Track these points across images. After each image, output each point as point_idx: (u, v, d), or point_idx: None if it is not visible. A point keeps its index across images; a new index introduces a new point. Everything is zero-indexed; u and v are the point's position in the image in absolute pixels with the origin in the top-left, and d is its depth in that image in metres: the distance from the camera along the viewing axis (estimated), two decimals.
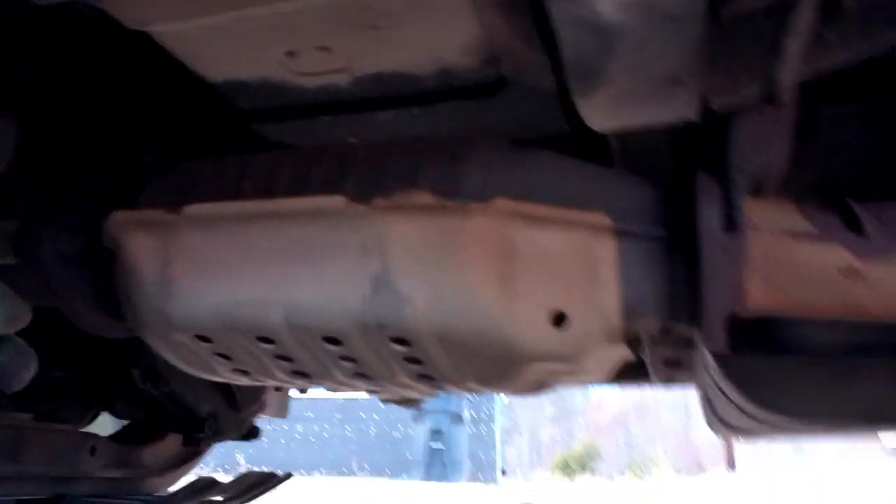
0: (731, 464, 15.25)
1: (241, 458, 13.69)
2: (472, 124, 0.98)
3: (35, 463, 1.35)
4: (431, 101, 0.93)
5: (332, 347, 0.71)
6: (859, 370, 0.99)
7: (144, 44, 0.75)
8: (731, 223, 0.67)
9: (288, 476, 1.68)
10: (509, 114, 0.95)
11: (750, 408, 1.02)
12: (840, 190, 0.79)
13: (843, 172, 1.11)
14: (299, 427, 15.70)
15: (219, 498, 1.60)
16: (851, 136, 1.08)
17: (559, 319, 0.67)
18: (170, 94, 0.97)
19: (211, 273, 0.71)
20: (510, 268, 0.66)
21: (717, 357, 1.01)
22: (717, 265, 0.66)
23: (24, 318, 0.79)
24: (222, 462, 12.32)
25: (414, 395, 1.91)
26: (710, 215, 0.66)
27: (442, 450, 12.47)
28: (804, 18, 0.63)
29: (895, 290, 0.67)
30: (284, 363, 0.75)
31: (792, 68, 0.67)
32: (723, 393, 1.07)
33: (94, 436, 1.53)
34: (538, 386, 0.75)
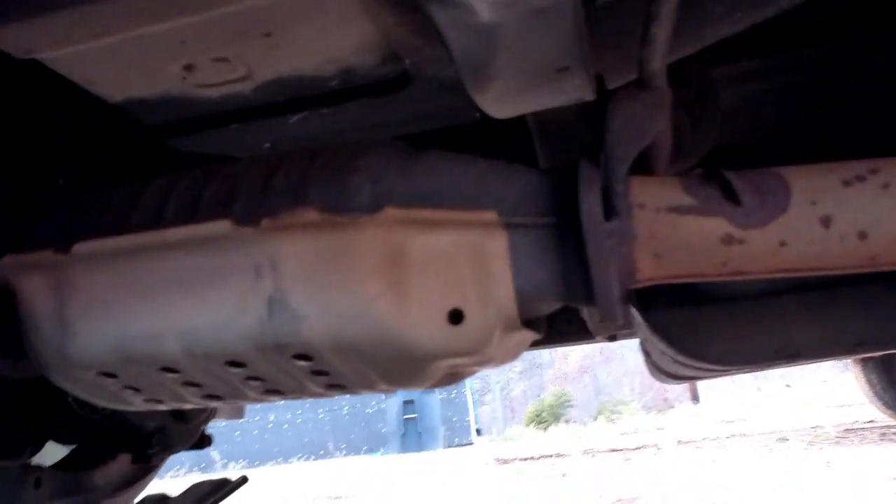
0: (695, 397, 15.86)
1: (216, 455, 13.61)
2: (383, 119, 0.98)
3: None
4: (338, 101, 0.93)
5: (237, 370, 0.71)
6: (772, 312, 1.04)
7: (41, 70, 0.73)
8: (613, 209, 0.69)
9: (244, 480, 1.69)
10: (418, 106, 0.95)
11: (679, 357, 1.06)
12: (721, 160, 0.81)
13: (747, 129, 1.14)
14: (271, 416, 15.67)
15: None
16: (750, 92, 1.11)
17: (456, 317, 0.68)
18: (75, 115, 0.95)
19: (105, 310, 0.70)
20: (403, 274, 0.66)
21: (643, 312, 1.05)
22: (603, 249, 0.68)
23: None
24: (198, 462, 12.24)
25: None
26: (591, 203, 0.68)
27: (415, 419, 12.60)
28: (669, 5, 0.64)
29: (771, 252, 0.70)
30: (194, 388, 0.74)
31: (662, 52, 0.69)
32: (654, 344, 1.11)
33: (37, 467, 1.50)
34: (448, 379, 0.77)
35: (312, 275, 0.66)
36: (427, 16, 0.62)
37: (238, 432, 14.67)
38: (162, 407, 0.81)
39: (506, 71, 0.74)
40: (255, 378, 0.72)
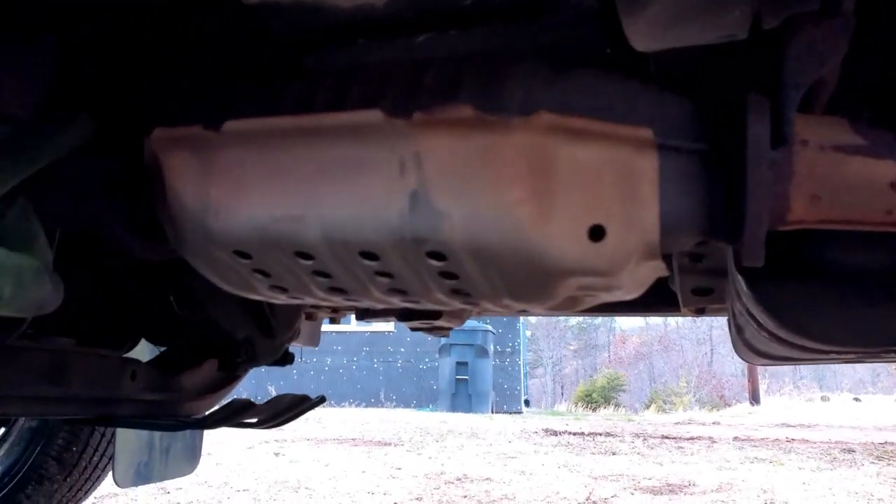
0: (754, 398, 15.42)
1: (272, 390, 14.15)
2: (511, 47, 0.95)
3: (78, 385, 1.40)
4: (469, 22, 0.91)
5: (368, 262, 0.71)
6: (890, 293, 0.98)
7: None
8: (781, 138, 0.65)
9: (322, 399, 1.73)
10: (550, 35, 0.92)
11: (781, 332, 1.01)
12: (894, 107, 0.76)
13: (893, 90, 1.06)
14: (328, 360, 16.12)
15: (253, 420, 1.65)
16: None
17: (597, 233, 0.66)
18: (208, 19, 0.96)
19: (250, 189, 0.71)
20: (549, 182, 0.65)
21: (750, 281, 1.00)
22: (763, 179, 0.65)
23: (56, 301, 0.81)
24: (255, 393, 12.75)
25: (442, 322, 1.94)
26: (759, 129, 0.64)
27: (467, 381, 12.73)
28: None
29: None
30: (322, 279, 0.75)
31: None
32: (753, 318, 1.06)
33: (135, 361, 1.58)
34: (573, 302, 0.75)
35: (457, 173, 0.65)
36: None
37: (295, 371, 15.18)
38: (283, 298, 0.83)
39: None
40: (385, 274, 0.73)
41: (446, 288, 0.74)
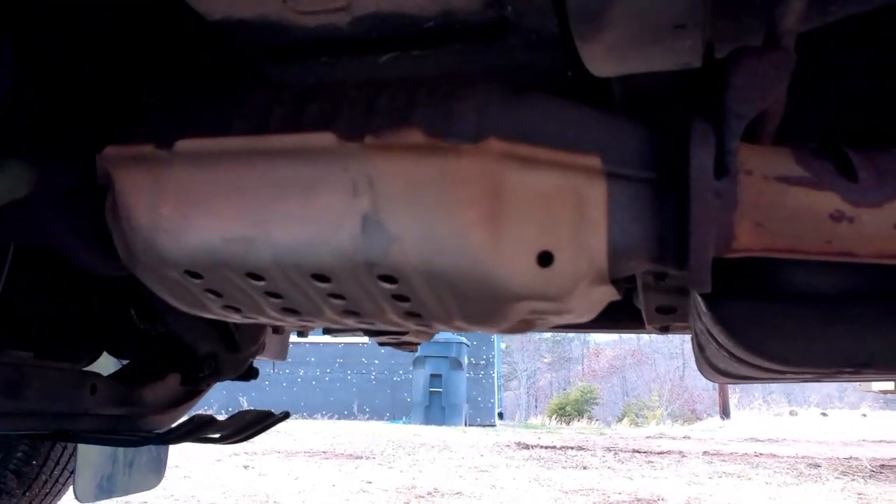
0: (724, 412, 15.59)
1: (244, 401, 13.98)
2: (473, 68, 0.96)
3: (36, 400, 1.37)
4: (432, 43, 0.92)
5: (321, 284, 0.71)
6: (847, 315, 1.00)
7: None
8: (724, 168, 0.67)
9: (286, 415, 1.72)
10: (510, 58, 0.94)
11: (739, 352, 1.03)
12: (838, 138, 0.78)
13: (844, 122, 1.09)
14: (301, 371, 15.98)
15: (216, 435, 1.63)
16: (854, 85, 1.06)
17: (545, 259, 0.67)
18: (169, 31, 0.96)
19: (201, 209, 0.71)
20: (499, 208, 0.66)
21: (708, 301, 1.02)
22: (707, 208, 0.66)
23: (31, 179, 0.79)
24: (226, 405, 12.58)
25: (410, 338, 1.94)
26: (702, 159, 0.65)
27: (441, 394, 12.70)
28: None
29: (882, 235, 0.67)
30: (274, 300, 0.75)
31: (797, 13, 0.66)
32: (713, 337, 1.08)
33: (95, 374, 1.55)
34: (524, 325, 0.76)
35: (409, 197, 0.66)
36: None
37: (267, 382, 15.03)
38: (237, 318, 0.82)
39: (621, 21, 0.72)
40: (337, 296, 0.73)
41: (399, 310, 0.74)
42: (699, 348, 1.30)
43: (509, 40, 0.91)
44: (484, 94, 0.69)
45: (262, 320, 0.83)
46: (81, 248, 0.89)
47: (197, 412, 1.81)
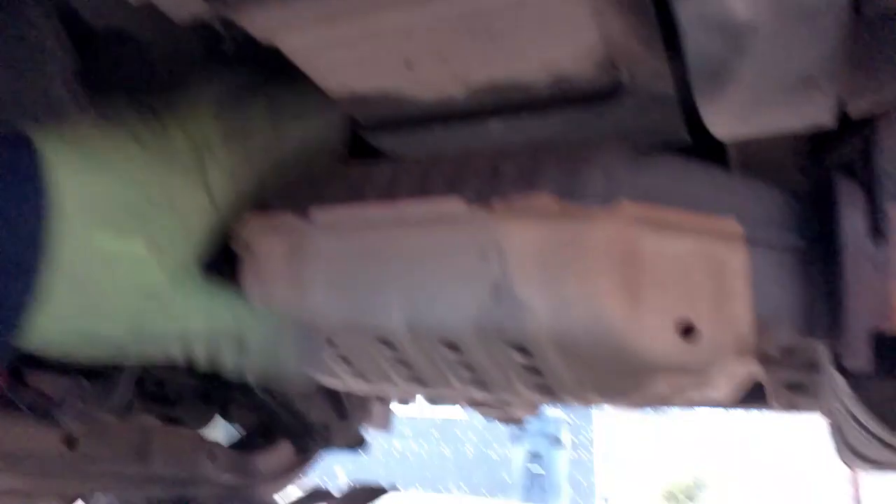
0: (858, 502, 14.09)
1: (339, 471, 14.00)
2: (586, 132, 0.96)
3: (160, 464, 1.42)
4: (543, 109, 0.93)
5: (450, 354, 0.71)
6: None
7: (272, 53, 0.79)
8: (878, 231, 0.62)
9: (394, 487, 1.70)
10: (624, 121, 0.93)
11: (887, 436, 0.93)
12: None
13: None
14: (397, 444, 15.90)
15: None
16: None
17: (687, 330, 0.64)
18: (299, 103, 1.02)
19: (337, 276, 0.73)
20: (636, 275, 0.64)
21: (851, 380, 0.93)
22: (862, 274, 0.62)
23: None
24: (322, 474, 12.64)
25: (518, 412, 1.89)
26: (854, 222, 0.62)
27: (542, 474, 12.22)
28: None
29: None
30: (403, 369, 0.76)
31: None
32: (855, 420, 0.98)
33: (213, 442, 1.60)
34: (662, 400, 0.72)
35: (540, 264, 0.65)
36: (660, 17, 0.60)
37: (364, 454, 15.00)
38: (364, 387, 0.83)
39: (747, 78, 0.70)
40: (467, 365, 0.72)
41: (530, 383, 0.73)
42: (837, 431, 1.19)
43: (622, 104, 0.91)
44: (611, 156, 0.69)
45: (389, 391, 0.83)
46: None
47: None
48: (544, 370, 0.70)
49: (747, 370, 0.70)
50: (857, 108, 0.77)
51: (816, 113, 0.73)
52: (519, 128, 0.95)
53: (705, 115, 0.76)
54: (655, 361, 0.65)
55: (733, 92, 0.70)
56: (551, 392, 0.73)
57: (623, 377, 0.67)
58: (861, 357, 0.66)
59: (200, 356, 0.69)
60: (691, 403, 0.74)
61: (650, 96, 0.88)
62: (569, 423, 13.32)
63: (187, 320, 0.66)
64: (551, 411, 12.39)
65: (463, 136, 0.98)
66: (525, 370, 0.71)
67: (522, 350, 0.68)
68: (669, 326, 0.64)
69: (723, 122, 0.77)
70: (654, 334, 0.64)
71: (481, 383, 0.75)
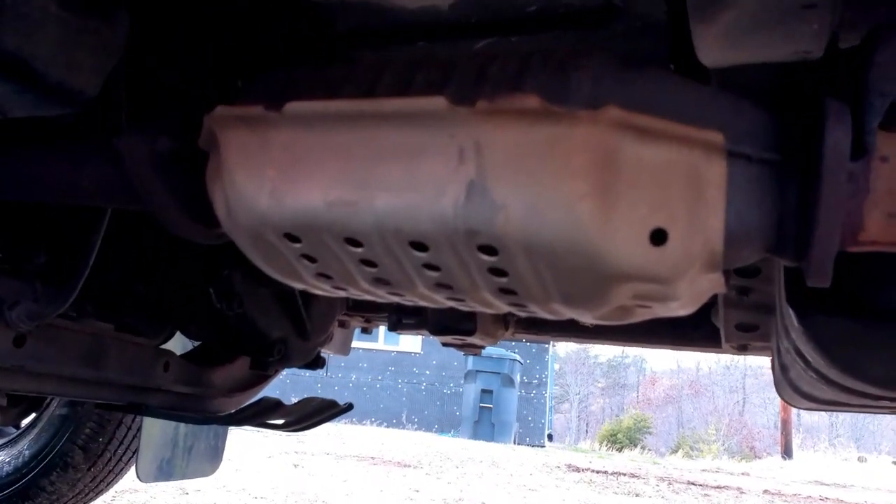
0: (787, 451, 14.89)
1: (295, 400, 14.17)
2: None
3: (113, 370, 1.41)
4: (533, 29, 0.89)
5: (417, 254, 0.69)
6: None
7: None
8: (862, 148, 0.62)
9: (350, 406, 1.71)
10: (614, 47, 0.90)
11: (831, 372, 0.96)
12: None
13: None
14: (353, 376, 16.10)
15: (280, 421, 1.64)
16: None
17: (659, 237, 0.64)
18: (270, 7, 0.97)
19: (307, 172, 0.70)
20: (613, 179, 0.62)
21: (801, 315, 0.95)
22: (838, 190, 0.62)
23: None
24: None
25: (476, 339, 1.90)
26: (838, 138, 0.61)
27: (491, 410, 12.57)
28: None
29: None
30: (368, 269, 0.74)
31: None
32: (801, 356, 1.01)
33: (169, 352, 1.58)
34: (624, 313, 0.72)
35: (518, 164, 0.63)
36: None
37: (319, 385, 15.19)
38: (326, 287, 0.81)
39: (749, 1, 0.68)
40: (433, 266, 0.71)
41: (494, 286, 0.72)
42: (782, 369, 1.23)
43: (612, 28, 0.88)
44: (601, 63, 0.66)
45: (351, 291, 0.81)
46: (179, 213, 0.89)
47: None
48: (511, 273, 0.69)
49: (711, 286, 0.70)
50: (848, 41, 0.76)
51: (808, 42, 0.71)
52: (504, 48, 0.92)
53: (698, 40, 0.74)
54: (624, 267, 0.64)
55: (728, 14, 0.68)
56: (515, 296, 0.72)
57: (589, 284, 0.67)
58: (824, 273, 0.66)
59: None
60: (652, 316, 0.74)
61: (640, 21, 0.86)
62: (521, 364, 13.67)
63: None
64: (506, 352, 12.66)
65: (447, 53, 0.94)
66: (491, 273, 0.69)
67: (491, 250, 0.66)
68: (642, 233, 0.63)
69: (713, 47, 0.75)
70: (625, 240, 0.63)
71: (446, 287, 0.74)
